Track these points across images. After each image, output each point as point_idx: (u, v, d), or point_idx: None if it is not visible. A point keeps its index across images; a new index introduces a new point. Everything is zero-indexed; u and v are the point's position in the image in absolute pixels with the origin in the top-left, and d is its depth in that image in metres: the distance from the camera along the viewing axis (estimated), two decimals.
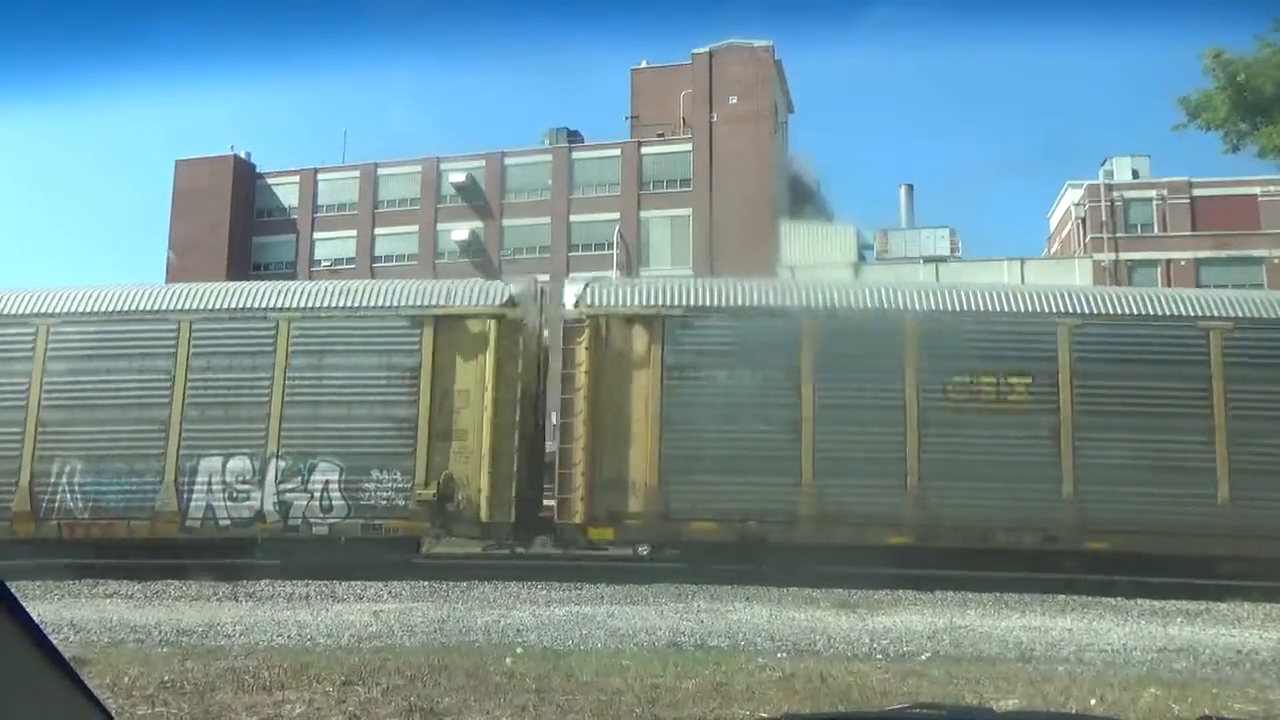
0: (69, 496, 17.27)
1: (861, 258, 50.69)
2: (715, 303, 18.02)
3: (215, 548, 17.59)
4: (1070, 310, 17.64)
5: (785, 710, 7.38)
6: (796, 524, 17.00)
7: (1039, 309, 17.74)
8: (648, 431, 17.31)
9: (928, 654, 10.81)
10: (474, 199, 52.81)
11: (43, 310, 18.02)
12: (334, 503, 17.23)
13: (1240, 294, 21.22)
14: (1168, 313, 17.64)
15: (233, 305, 18.08)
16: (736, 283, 18.86)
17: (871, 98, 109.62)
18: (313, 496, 17.24)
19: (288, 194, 55.65)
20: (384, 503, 17.27)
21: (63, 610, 12.88)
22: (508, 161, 53.52)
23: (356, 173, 54.69)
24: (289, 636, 11.54)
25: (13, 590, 2.02)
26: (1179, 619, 13.69)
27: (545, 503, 18.59)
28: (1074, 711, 7.58)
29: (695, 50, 51.50)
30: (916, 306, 17.96)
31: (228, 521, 17.31)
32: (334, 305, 18.11)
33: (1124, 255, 47.51)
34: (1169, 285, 43.29)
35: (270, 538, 17.38)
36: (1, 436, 17.53)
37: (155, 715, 7.18)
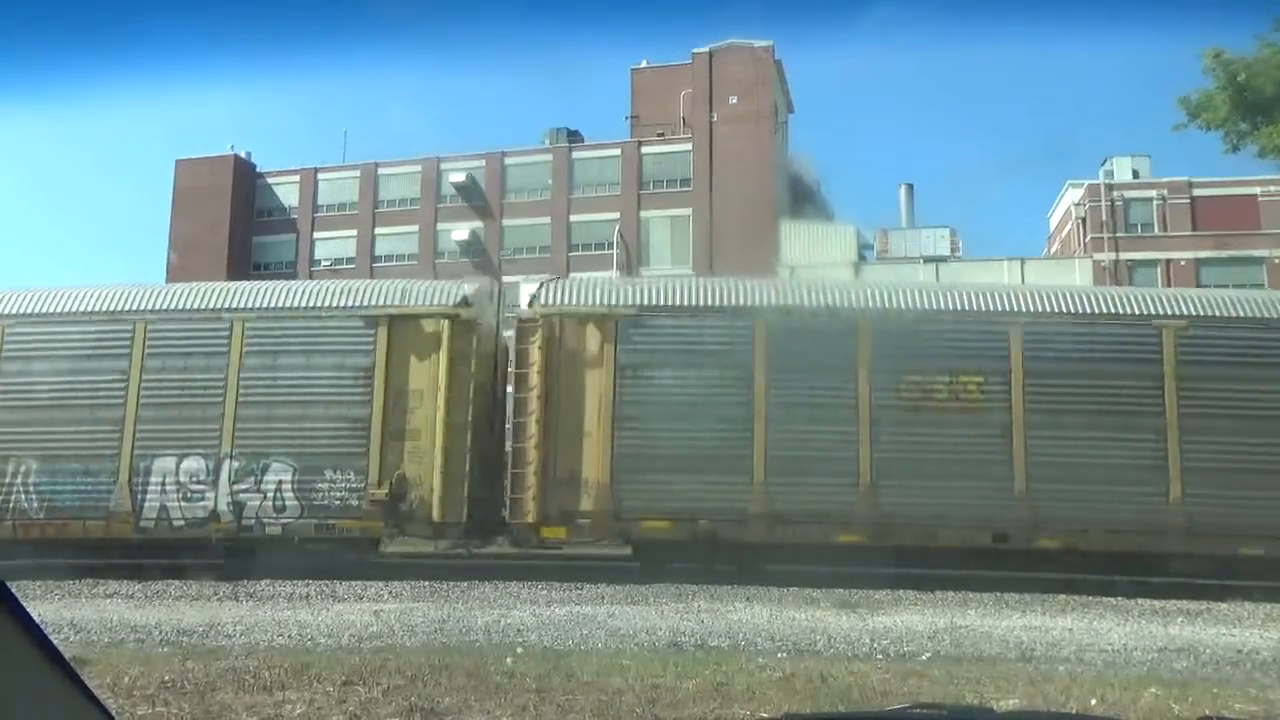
0: (24, 497, 17.32)
1: (862, 258, 50.59)
2: (668, 302, 18.01)
3: (169, 548, 17.59)
4: (1022, 309, 17.60)
5: (785, 710, 7.38)
6: (748, 522, 17.01)
7: (991, 308, 17.70)
8: (600, 431, 17.31)
9: (928, 654, 10.83)
10: (474, 199, 52.95)
11: None
12: (287, 503, 17.25)
13: (1195, 292, 21.32)
14: (1121, 311, 17.58)
15: (187, 306, 18.13)
16: (689, 282, 18.90)
17: (871, 98, 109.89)
18: (266, 497, 17.26)
19: (288, 194, 55.87)
20: (337, 503, 17.28)
21: (63, 610, 12.97)
22: (508, 161, 53.63)
23: (357, 172, 54.86)
24: (289, 636, 11.61)
25: (13, 590, 2.03)
26: (1179, 619, 13.71)
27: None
28: (1074, 711, 7.60)
29: (695, 50, 51.61)
30: (869, 306, 17.95)
31: (182, 522, 17.33)
32: (288, 306, 18.14)
33: (1124, 255, 47.34)
34: (1169, 285, 43.12)
35: (224, 538, 17.43)
36: None
37: (156, 715, 7.23)
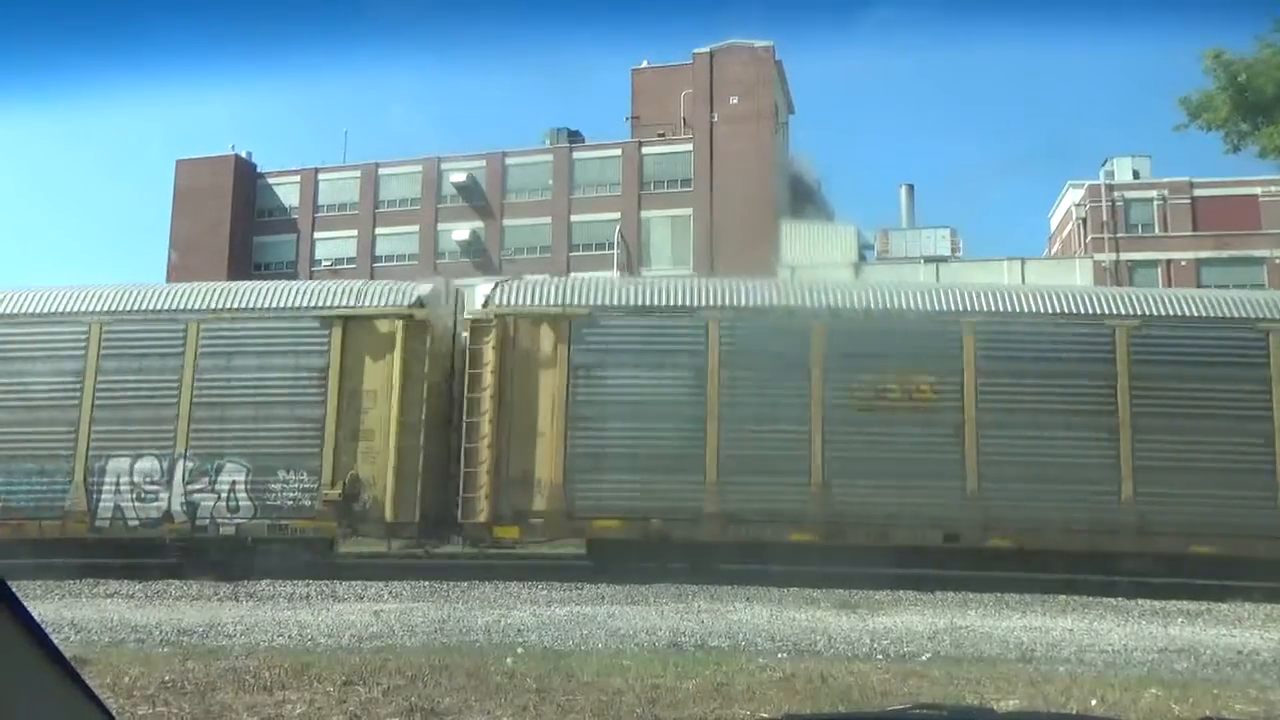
0: None
1: (862, 258, 50.51)
2: (621, 302, 18.01)
3: (125, 548, 17.66)
4: (975, 309, 17.53)
5: (785, 710, 7.43)
6: (700, 521, 16.99)
7: (944, 308, 17.64)
8: (554, 430, 17.31)
9: (928, 654, 10.80)
10: (475, 199, 52.99)
11: None
12: (241, 503, 17.29)
13: (1150, 291, 21.23)
14: (1074, 310, 17.49)
15: (143, 307, 18.18)
16: (644, 282, 18.89)
17: (871, 98, 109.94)
18: (220, 497, 17.30)
19: (288, 194, 55.98)
20: (290, 503, 17.30)
21: (63, 610, 13.02)
22: (508, 161, 53.66)
23: (357, 172, 54.94)
24: (290, 636, 11.63)
25: (14, 590, 2.03)
26: (1180, 619, 13.69)
27: None
28: (1075, 712, 7.60)
29: (696, 50, 51.57)
30: (823, 305, 17.91)
31: (136, 522, 17.39)
32: (243, 307, 18.17)
33: (1125, 255, 47.17)
34: (1170, 285, 42.96)
35: (178, 538, 17.49)
36: None
37: (156, 715, 7.24)
